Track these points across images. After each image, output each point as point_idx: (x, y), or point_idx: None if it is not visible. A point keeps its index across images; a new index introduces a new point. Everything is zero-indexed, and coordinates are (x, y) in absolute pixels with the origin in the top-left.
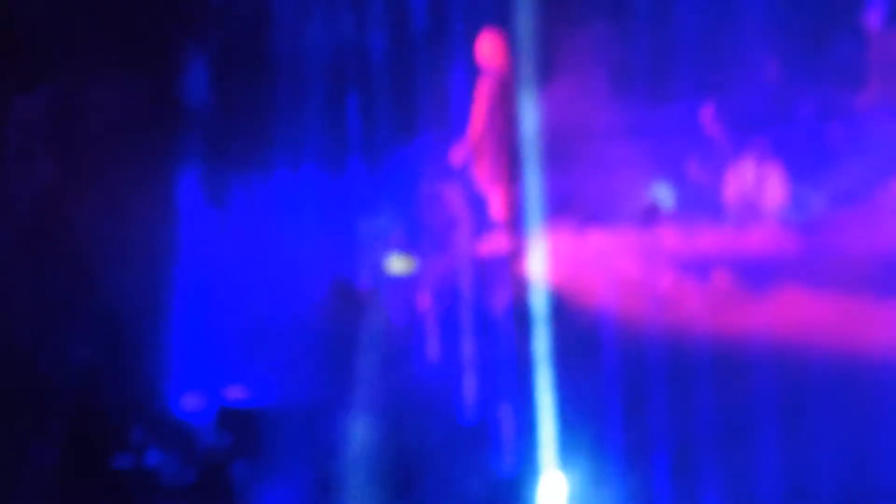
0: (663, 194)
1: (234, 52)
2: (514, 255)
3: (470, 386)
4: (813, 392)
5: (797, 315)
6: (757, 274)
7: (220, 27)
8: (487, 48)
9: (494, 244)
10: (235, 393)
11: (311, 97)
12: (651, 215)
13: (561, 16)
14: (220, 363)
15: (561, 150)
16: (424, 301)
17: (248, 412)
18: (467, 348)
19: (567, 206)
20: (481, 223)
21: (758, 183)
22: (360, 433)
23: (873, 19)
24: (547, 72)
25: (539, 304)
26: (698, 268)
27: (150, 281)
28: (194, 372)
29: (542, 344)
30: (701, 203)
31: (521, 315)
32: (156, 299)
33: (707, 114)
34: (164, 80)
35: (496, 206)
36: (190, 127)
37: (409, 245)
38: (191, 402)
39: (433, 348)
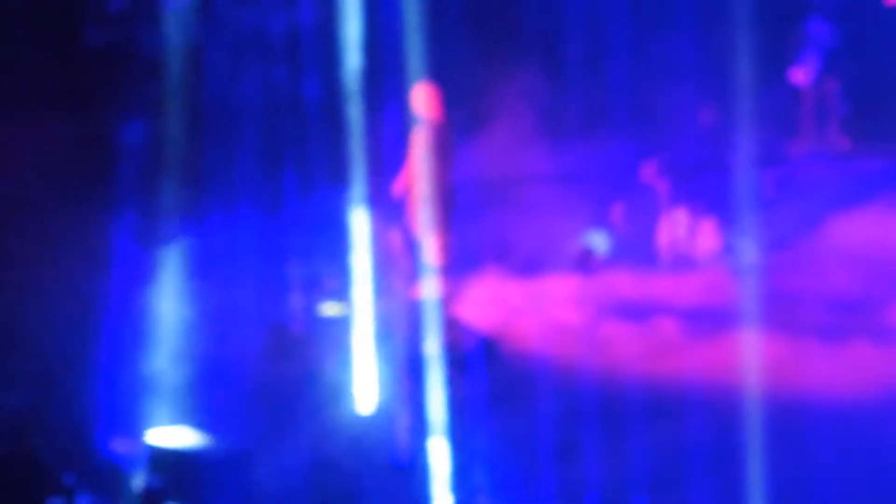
0: (597, 240)
1: (169, 99)
2: (449, 300)
3: (404, 428)
4: (746, 433)
5: (731, 359)
6: (691, 319)
7: (154, 74)
8: (423, 98)
9: (429, 288)
10: (168, 436)
11: (246, 144)
12: (585, 261)
13: (496, 66)
14: (153, 406)
15: (496, 196)
16: (359, 344)
17: (181, 455)
18: (402, 391)
19: (502, 252)
20: (417, 268)
21: (691, 229)
22: (293, 475)
23: (803, 73)
24: (482, 120)
25: (473, 347)
26: (632, 313)
27: (81, 325)
28: (126, 415)
29: (476, 387)
30: (635, 249)
31: (455, 358)
32: (86, 343)
33: (641, 161)
34: (96, 126)
35: (432, 251)
36: (123, 173)
37: (343, 289)
38: (123, 444)
39: (367, 390)
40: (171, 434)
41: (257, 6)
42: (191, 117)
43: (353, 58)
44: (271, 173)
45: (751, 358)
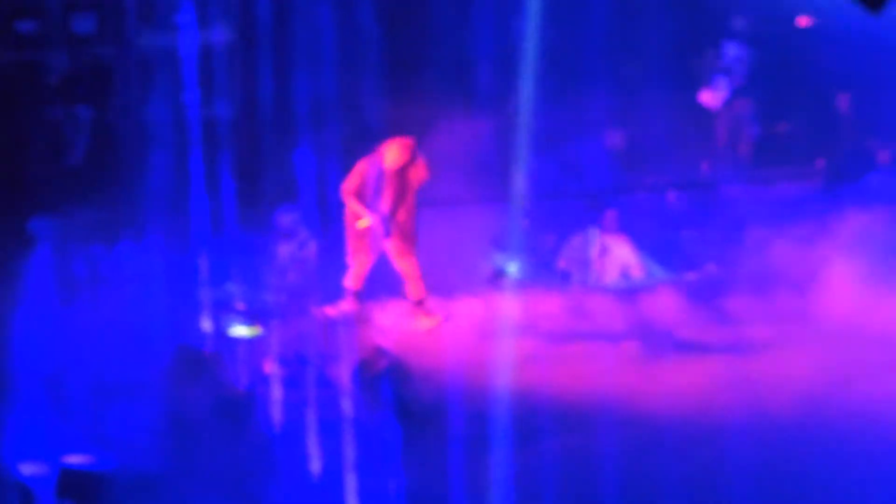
0: (508, 262)
1: (80, 122)
2: (361, 321)
3: (314, 448)
4: (665, 449)
5: (636, 375)
6: (603, 338)
7: (65, 95)
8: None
9: (342, 310)
10: (77, 458)
11: (159, 167)
12: (496, 282)
13: (409, 93)
14: (63, 428)
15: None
16: (269, 365)
17: (90, 476)
18: (312, 412)
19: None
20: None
21: (603, 250)
22: (203, 497)
23: (712, 97)
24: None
25: (385, 368)
26: (544, 332)
27: None
28: (36, 437)
29: (388, 407)
30: (547, 270)
31: (367, 379)
32: None
33: (555, 183)
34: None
35: (347, 274)
36: (34, 201)
37: (254, 311)
38: (32, 467)
39: (277, 412)
40: (81, 456)
41: (169, 29)
42: (102, 139)
43: (266, 83)
44: (183, 195)
45: (666, 375)
